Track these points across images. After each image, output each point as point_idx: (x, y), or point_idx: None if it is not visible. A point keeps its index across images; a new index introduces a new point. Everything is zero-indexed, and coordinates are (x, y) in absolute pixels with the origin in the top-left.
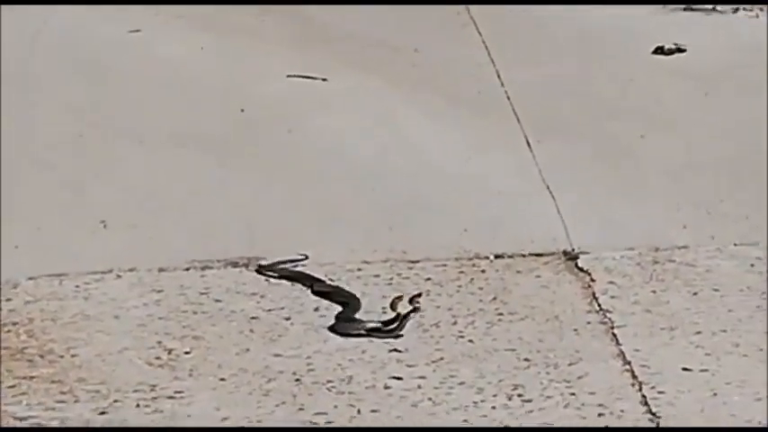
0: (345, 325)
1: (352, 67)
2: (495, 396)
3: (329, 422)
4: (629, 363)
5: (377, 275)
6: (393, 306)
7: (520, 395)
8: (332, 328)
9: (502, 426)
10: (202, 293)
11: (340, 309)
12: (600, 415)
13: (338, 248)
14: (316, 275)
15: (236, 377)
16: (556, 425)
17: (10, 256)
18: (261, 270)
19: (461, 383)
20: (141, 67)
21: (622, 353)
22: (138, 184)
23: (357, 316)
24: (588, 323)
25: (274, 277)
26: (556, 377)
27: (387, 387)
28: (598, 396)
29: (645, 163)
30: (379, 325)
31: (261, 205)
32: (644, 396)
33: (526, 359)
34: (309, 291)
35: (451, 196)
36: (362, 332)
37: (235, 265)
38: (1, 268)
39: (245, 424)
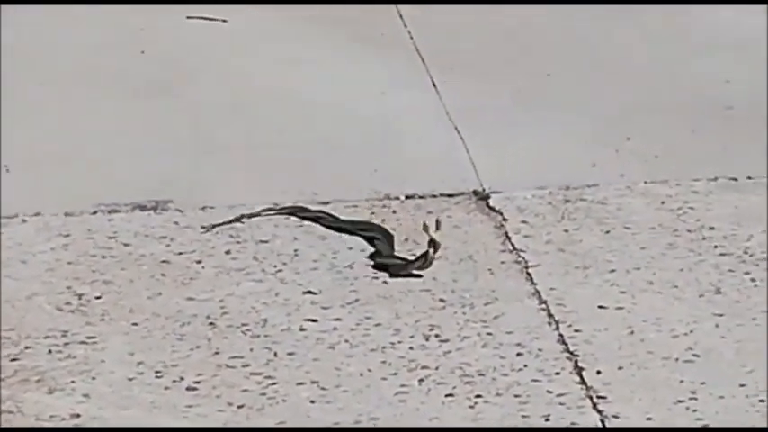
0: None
1: (253, 7)
2: (412, 337)
3: (246, 365)
4: (544, 302)
5: (287, 217)
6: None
7: (437, 335)
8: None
9: (420, 365)
10: (111, 237)
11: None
12: (518, 354)
13: (247, 190)
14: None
15: (149, 321)
16: (474, 365)
17: None
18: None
19: (377, 325)
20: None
21: (538, 292)
22: (41, 126)
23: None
24: (502, 263)
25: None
26: (472, 317)
27: (302, 329)
28: (515, 335)
29: (551, 102)
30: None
31: (168, 148)
32: (561, 335)
33: (441, 299)
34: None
35: (360, 137)
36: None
37: (143, 208)
38: None
39: (160, 368)
